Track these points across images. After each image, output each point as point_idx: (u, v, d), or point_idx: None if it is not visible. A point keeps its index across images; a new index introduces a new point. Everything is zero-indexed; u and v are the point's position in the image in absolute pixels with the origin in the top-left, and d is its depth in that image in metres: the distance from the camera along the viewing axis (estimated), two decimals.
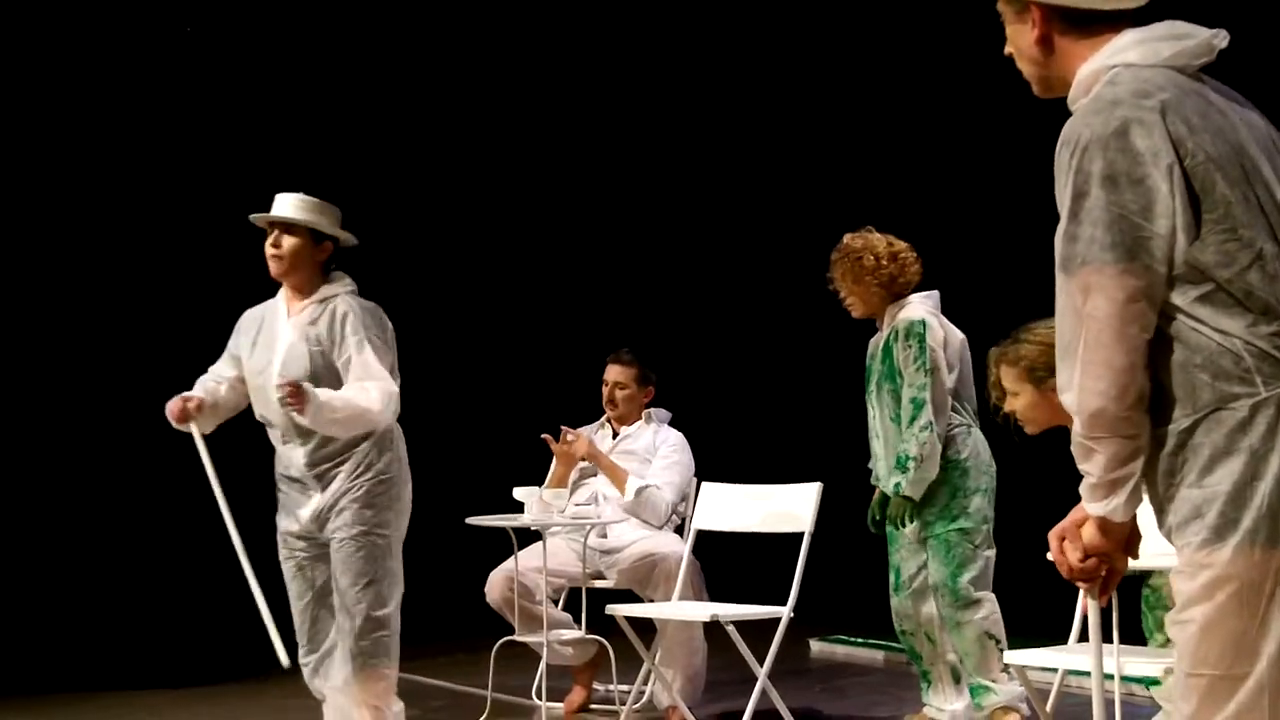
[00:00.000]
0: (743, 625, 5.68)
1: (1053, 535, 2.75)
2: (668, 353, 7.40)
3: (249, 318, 5.52)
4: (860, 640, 8.17)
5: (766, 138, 9.95)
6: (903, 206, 5.94)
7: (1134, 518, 2.66)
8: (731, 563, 6.91)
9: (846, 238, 5.83)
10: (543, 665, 6.36)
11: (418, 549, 5.38)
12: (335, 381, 5.20)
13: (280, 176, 8.16)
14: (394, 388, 5.24)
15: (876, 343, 5.85)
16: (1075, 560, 2.69)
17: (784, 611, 5.69)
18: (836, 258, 5.81)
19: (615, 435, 6.77)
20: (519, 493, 6.17)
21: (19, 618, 8.18)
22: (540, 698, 6.38)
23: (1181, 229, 2.50)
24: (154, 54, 8.75)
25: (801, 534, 5.81)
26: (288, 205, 5.36)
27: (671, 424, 6.80)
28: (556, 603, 6.59)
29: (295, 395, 5.02)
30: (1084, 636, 4.89)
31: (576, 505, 6.57)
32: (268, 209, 5.37)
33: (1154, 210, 2.50)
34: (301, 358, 5.26)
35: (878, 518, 5.84)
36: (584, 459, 6.63)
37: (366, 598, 5.20)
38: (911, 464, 5.55)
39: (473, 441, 9.31)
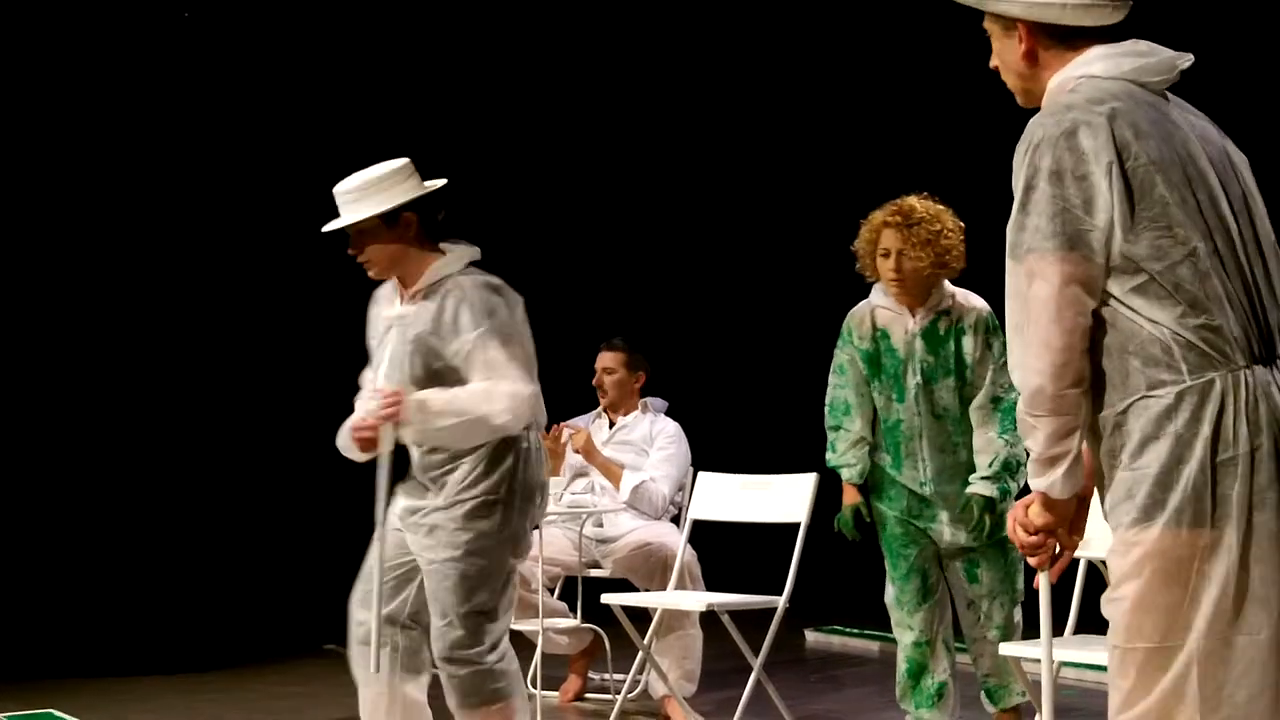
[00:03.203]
0: (738, 615, 5.68)
1: (1008, 514, 2.93)
2: (665, 342, 7.40)
3: (373, 308, 4.76)
4: (855, 631, 8.18)
5: (762, 127, 9.94)
6: (892, 194, 5.79)
7: (1083, 499, 2.83)
8: (727, 552, 6.91)
9: (914, 200, 5.28)
10: (538, 654, 6.36)
11: None
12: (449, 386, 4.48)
13: (278, 166, 8.18)
14: (524, 388, 4.48)
15: (904, 330, 5.30)
16: (1023, 536, 2.85)
17: (779, 601, 5.68)
18: (896, 221, 5.22)
19: (611, 425, 6.77)
20: None
21: (16, 604, 8.18)
22: (535, 686, 6.37)
23: (1119, 223, 2.68)
24: (153, 41, 8.74)
25: (798, 524, 5.80)
26: (342, 208, 4.57)
27: (669, 414, 6.80)
28: (552, 592, 6.59)
29: (393, 403, 4.37)
30: (1077, 629, 4.90)
31: (573, 494, 6.57)
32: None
33: (1094, 205, 2.69)
34: (401, 363, 4.52)
35: (868, 519, 5.37)
36: (578, 451, 6.62)
37: (450, 635, 4.51)
38: (1023, 469, 5.05)
39: None
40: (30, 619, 8.16)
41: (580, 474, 6.68)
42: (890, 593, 5.42)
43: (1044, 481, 2.76)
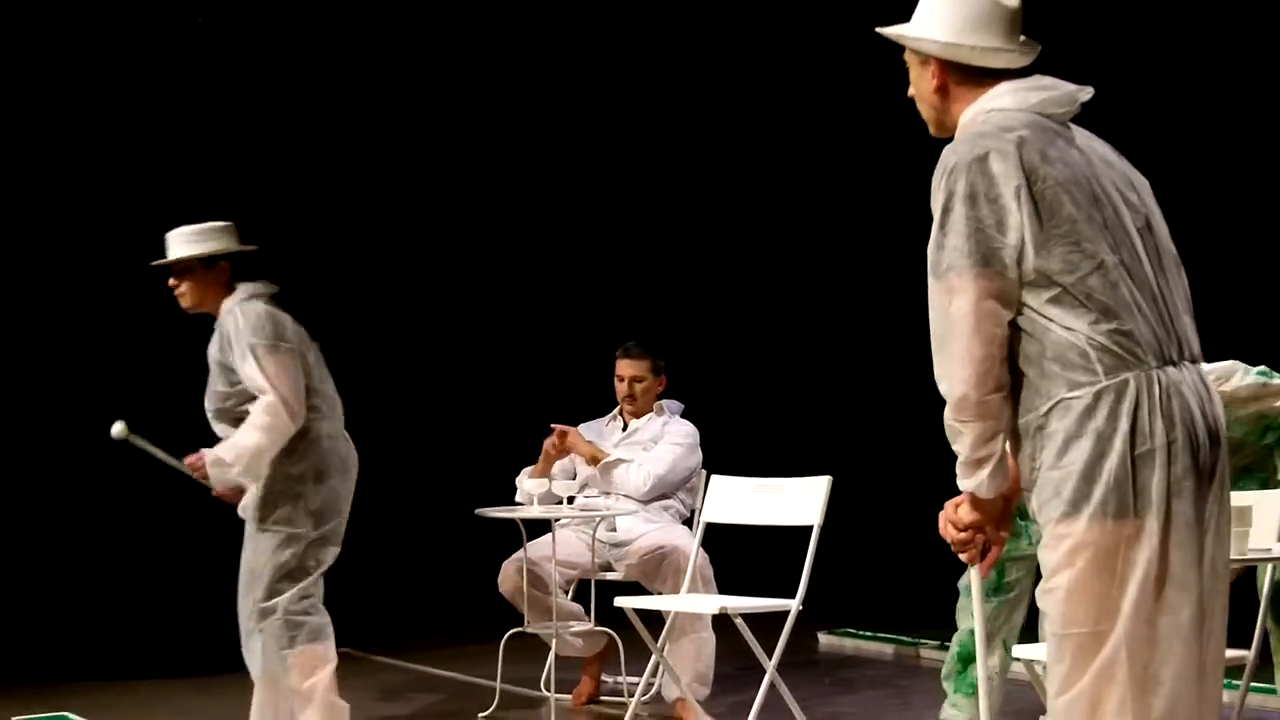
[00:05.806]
0: (751, 618, 5.68)
1: (941, 513, 3.12)
2: (678, 345, 7.40)
3: None
4: (868, 633, 8.18)
5: (777, 127, 9.94)
6: (904, 199, 5.80)
7: (1008, 499, 3.05)
8: (740, 555, 6.92)
9: None
10: (551, 656, 6.38)
11: (426, 540, 5.39)
12: (248, 402, 5.16)
13: (271, 176, 8.12)
14: (274, 397, 5.07)
15: None
16: (952, 533, 3.09)
17: (793, 604, 5.68)
18: None
19: (625, 428, 6.78)
20: (528, 484, 6.20)
21: (32, 606, 8.20)
22: (549, 689, 6.39)
23: (1030, 241, 2.91)
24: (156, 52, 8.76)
25: (810, 527, 5.81)
26: (170, 246, 5.35)
27: (684, 416, 6.80)
28: (567, 594, 6.61)
29: (199, 472, 5.21)
30: None
31: (586, 497, 6.58)
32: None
33: (1006, 224, 2.91)
34: (210, 386, 5.28)
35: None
36: (570, 451, 6.66)
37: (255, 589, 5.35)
38: None
39: (481, 433, 9.33)
40: (45, 621, 8.18)
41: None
42: (966, 577, 5.38)
43: (971, 482, 2.98)
